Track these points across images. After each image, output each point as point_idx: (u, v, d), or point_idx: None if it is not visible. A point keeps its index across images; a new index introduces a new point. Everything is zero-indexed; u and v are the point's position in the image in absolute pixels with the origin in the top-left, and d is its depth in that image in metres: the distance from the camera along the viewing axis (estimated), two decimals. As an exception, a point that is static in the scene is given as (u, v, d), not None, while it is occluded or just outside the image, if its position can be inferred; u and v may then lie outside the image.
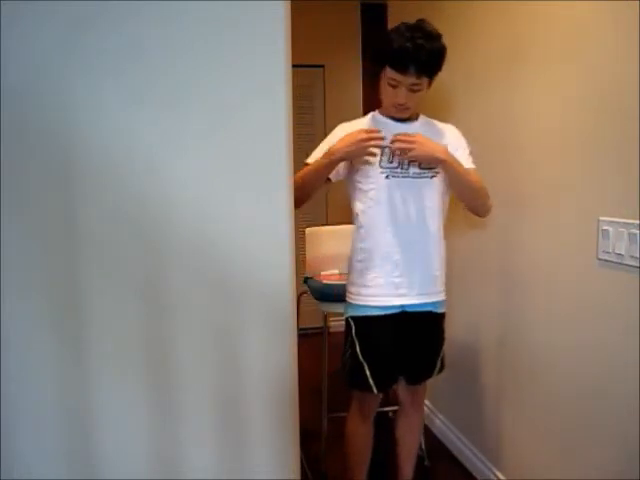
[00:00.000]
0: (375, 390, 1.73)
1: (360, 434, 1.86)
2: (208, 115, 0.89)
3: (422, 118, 1.77)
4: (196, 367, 0.94)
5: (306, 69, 3.88)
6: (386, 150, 1.68)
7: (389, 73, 1.60)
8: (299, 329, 1.19)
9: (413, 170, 1.69)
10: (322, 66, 4.02)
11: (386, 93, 1.66)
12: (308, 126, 3.91)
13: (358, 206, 1.75)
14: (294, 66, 0.94)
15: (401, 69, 1.57)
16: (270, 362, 0.96)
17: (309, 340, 2.36)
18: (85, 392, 0.89)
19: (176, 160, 0.89)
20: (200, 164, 0.90)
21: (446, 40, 1.63)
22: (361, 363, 1.73)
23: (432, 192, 1.72)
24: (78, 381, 0.89)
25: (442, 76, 1.68)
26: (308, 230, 2.55)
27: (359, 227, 1.76)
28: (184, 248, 0.91)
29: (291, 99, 0.94)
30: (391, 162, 1.68)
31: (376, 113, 1.78)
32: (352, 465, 1.90)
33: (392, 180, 1.68)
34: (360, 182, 1.74)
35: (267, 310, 0.95)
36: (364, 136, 1.59)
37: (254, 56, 0.90)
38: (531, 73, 1.78)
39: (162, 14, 0.86)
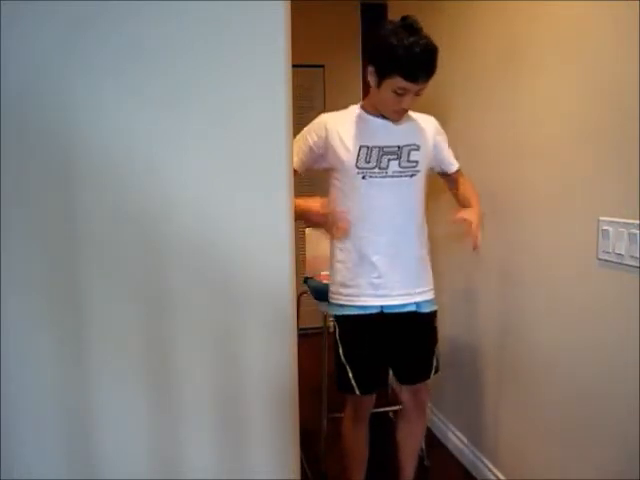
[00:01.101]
0: (358, 392, 1.73)
1: (355, 436, 1.86)
2: (208, 115, 0.89)
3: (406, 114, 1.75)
4: (196, 367, 0.94)
5: (306, 69, 3.89)
6: (363, 150, 1.66)
7: (398, 82, 1.56)
8: (299, 329, 1.19)
9: (392, 169, 1.67)
10: (322, 66, 4.02)
11: (388, 99, 1.62)
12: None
13: (336, 203, 1.73)
14: (294, 66, 0.93)
15: (413, 79, 1.55)
16: (270, 362, 0.96)
17: (309, 340, 2.36)
18: (85, 392, 0.89)
19: (176, 160, 0.89)
20: (200, 164, 0.90)
21: (446, 40, 1.64)
22: (344, 365, 1.73)
23: (412, 191, 1.71)
24: (78, 381, 0.89)
25: (441, 76, 1.68)
26: (308, 230, 2.55)
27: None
28: (184, 248, 0.91)
29: (291, 99, 0.94)
30: (368, 162, 1.66)
31: (361, 111, 1.73)
32: (349, 466, 1.91)
33: (369, 180, 1.66)
34: (338, 180, 1.72)
35: (267, 310, 0.95)
36: (337, 217, 1.65)
37: (254, 56, 0.90)
38: (531, 73, 1.78)
39: (162, 14, 0.86)
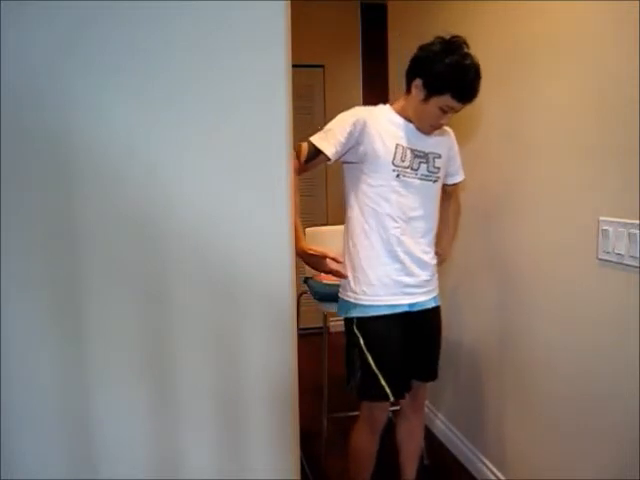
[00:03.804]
0: (392, 398, 1.72)
1: (367, 448, 1.83)
2: (208, 115, 0.89)
3: None
4: (196, 367, 0.94)
5: (306, 69, 3.89)
6: (399, 148, 1.67)
7: (448, 101, 1.60)
8: (299, 329, 1.19)
9: (422, 172, 1.71)
10: (322, 66, 4.02)
11: (432, 115, 1.65)
12: (308, 126, 3.90)
13: (363, 200, 1.71)
14: (294, 66, 0.94)
15: (464, 100, 1.60)
16: (270, 362, 0.96)
17: (309, 340, 2.36)
18: (85, 392, 0.89)
19: (176, 160, 0.89)
20: (200, 164, 0.90)
21: (446, 40, 1.63)
22: (375, 373, 1.69)
23: (434, 195, 1.78)
24: (78, 381, 0.89)
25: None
26: (308, 230, 2.55)
27: (363, 222, 1.71)
28: (184, 248, 0.91)
29: (291, 99, 0.94)
30: (403, 161, 1.68)
31: (393, 113, 1.73)
32: (356, 473, 1.88)
33: (403, 179, 1.68)
34: (367, 175, 1.70)
35: (267, 310, 0.95)
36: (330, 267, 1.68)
37: (254, 56, 0.90)
38: (531, 73, 1.79)
39: (162, 14, 0.86)
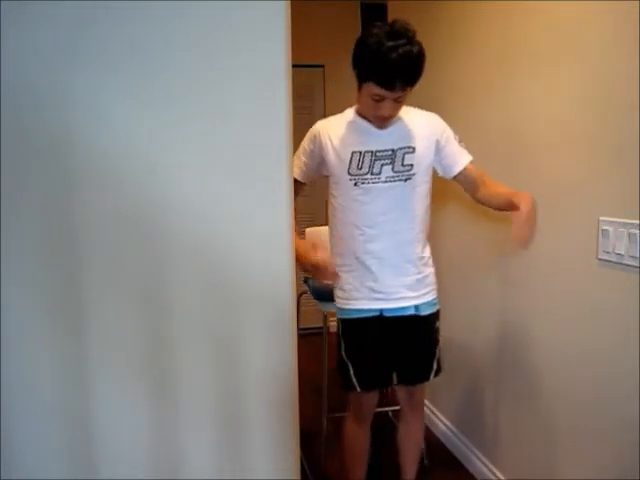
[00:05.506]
0: (358, 388, 1.74)
1: (356, 437, 1.86)
2: (208, 115, 0.89)
3: (400, 114, 1.68)
4: (196, 367, 0.94)
5: (306, 69, 3.89)
6: (355, 155, 1.64)
7: (373, 89, 1.51)
8: (299, 329, 1.19)
9: (386, 174, 1.64)
10: (322, 66, 4.02)
11: (368, 105, 1.58)
12: (308, 126, 3.91)
13: (332, 211, 1.75)
14: (294, 66, 0.93)
15: (387, 86, 1.49)
16: (270, 362, 0.96)
17: (309, 340, 2.36)
18: (85, 392, 0.89)
19: (176, 160, 0.89)
20: (200, 164, 0.90)
21: (446, 39, 1.63)
22: (345, 362, 1.74)
23: (408, 195, 1.67)
24: (78, 381, 0.89)
25: (441, 76, 1.68)
26: (308, 230, 2.55)
27: (335, 232, 1.75)
28: (184, 248, 0.91)
29: (291, 99, 0.94)
30: (360, 168, 1.64)
31: (355, 115, 1.70)
32: (349, 467, 1.90)
33: (361, 187, 1.64)
34: (333, 186, 1.72)
35: (267, 310, 0.95)
36: (327, 272, 1.58)
37: (254, 56, 0.90)
38: (531, 73, 1.78)
39: (162, 14, 0.86)
